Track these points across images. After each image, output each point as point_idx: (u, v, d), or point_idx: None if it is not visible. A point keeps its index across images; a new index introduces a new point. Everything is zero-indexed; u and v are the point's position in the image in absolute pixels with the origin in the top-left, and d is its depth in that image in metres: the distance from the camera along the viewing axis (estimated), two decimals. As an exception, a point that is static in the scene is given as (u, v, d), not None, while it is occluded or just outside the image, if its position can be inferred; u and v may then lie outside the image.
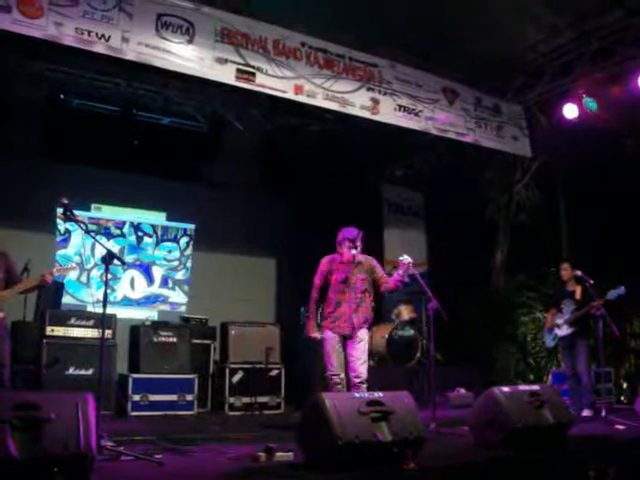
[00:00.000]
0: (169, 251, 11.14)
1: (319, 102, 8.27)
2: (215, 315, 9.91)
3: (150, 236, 11.03)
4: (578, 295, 8.44)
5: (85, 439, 3.87)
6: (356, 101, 8.50)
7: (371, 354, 6.92)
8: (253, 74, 7.74)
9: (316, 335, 6.73)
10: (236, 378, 9.06)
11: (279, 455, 4.95)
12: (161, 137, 10.39)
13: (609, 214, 10.28)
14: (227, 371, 9.05)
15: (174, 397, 8.52)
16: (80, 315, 8.29)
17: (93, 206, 10.55)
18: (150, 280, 10.97)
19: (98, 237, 9.60)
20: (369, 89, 8.64)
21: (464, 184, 10.97)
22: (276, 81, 7.89)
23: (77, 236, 10.22)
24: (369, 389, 6.27)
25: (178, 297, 11.12)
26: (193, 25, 7.47)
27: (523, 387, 6.05)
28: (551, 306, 8.87)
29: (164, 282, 11.11)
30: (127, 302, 10.63)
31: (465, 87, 9.72)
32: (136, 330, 8.81)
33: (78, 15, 6.80)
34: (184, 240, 11.25)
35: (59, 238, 10.19)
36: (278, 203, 12.18)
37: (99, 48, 6.99)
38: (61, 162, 10.26)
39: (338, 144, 11.37)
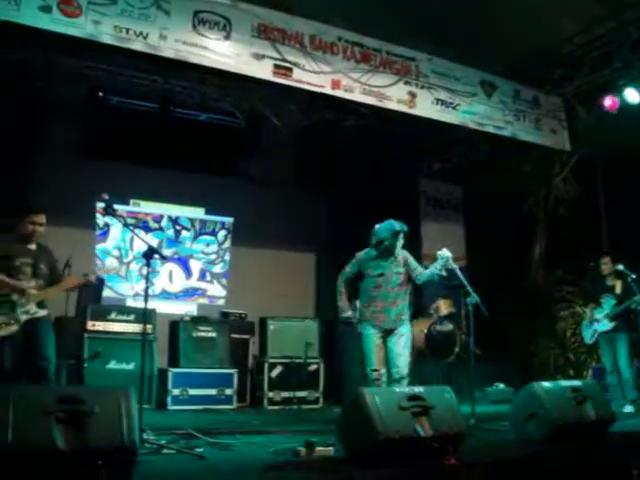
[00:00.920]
0: (207, 244, 11.19)
1: (356, 97, 8.25)
2: (254, 310, 9.95)
3: (188, 229, 11.09)
4: (619, 289, 8.35)
5: (128, 433, 3.90)
6: (393, 95, 8.47)
7: (410, 349, 6.87)
8: (290, 69, 7.75)
9: (348, 314, 6.71)
10: (275, 373, 9.09)
11: (320, 450, 4.95)
12: (199, 133, 10.45)
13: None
14: (266, 366, 9.09)
15: (213, 391, 8.57)
16: (121, 310, 8.38)
17: (132, 202, 10.64)
18: (188, 273, 11.03)
19: (137, 231, 9.67)
20: (406, 83, 8.60)
21: (502, 178, 10.88)
22: (313, 76, 7.90)
23: (116, 230, 10.32)
24: (409, 384, 6.25)
25: (216, 290, 11.16)
26: (230, 21, 7.50)
27: (564, 382, 5.98)
28: (590, 301, 8.77)
29: (202, 275, 11.16)
30: (166, 295, 10.70)
31: (503, 80, 9.63)
32: (175, 325, 8.88)
33: (116, 13, 6.88)
34: (222, 233, 11.30)
35: (98, 232, 10.29)
36: (316, 198, 12.20)
37: (137, 46, 7.07)
38: (100, 159, 10.37)
39: (375, 138, 11.33)
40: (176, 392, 8.36)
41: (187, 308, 10.54)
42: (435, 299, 10.46)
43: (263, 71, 7.69)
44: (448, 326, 10.21)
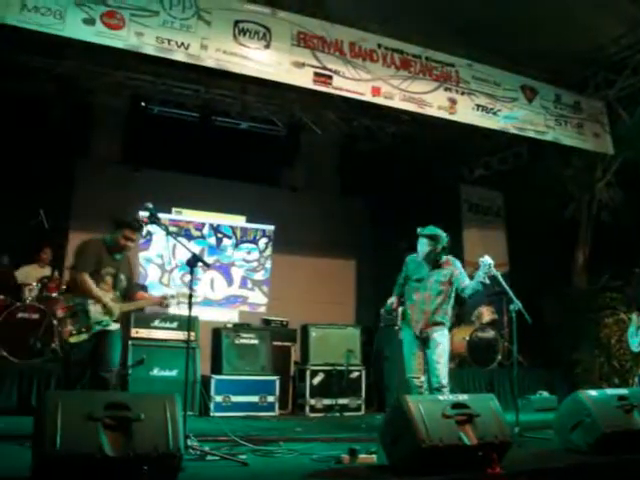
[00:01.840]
0: (248, 252, 11.26)
1: (397, 103, 8.25)
2: (294, 317, 9.96)
3: (229, 237, 11.17)
4: (664, 296, 8.21)
5: (173, 439, 3.94)
6: (433, 101, 8.45)
7: (451, 356, 6.82)
8: (330, 77, 7.78)
9: (395, 305, 6.70)
10: (317, 380, 9.09)
11: (363, 457, 4.95)
12: (240, 142, 10.55)
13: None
14: (308, 373, 9.08)
15: (255, 398, 8.59)
16: (164, 317, 8.44)
17: (174, 210, 10.75)
18: (230, 281, 11.10)
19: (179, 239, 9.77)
20: (446, 89, 8.57)
21: (544, 183, 10.78)
22: (353, 83, 7.91)
23: (158, 238, 10.44)
24: (451, 391, 6.20)
25: (257, 298, 11.22)
26: (270, 30, 7.56)
27: (611, 391, 5.89)
28: (635, 307, 8.63)
29: (243, 283, 11.23)
30: (207, 303, 10.78)
31: (544, 84, 9.55)
32: (218, 332, 8.92)
33: (158, 24, 6.98)
34: (263, 241, 11.36)
35: (142, 241, 10.41)
36: (356, 205, 12.24)
37: (179, 56, 7.16)
38: (142, 168, 10.51)
39: (414, 145, 11.33)
40: (219, 399, 8.39)
41: (229, 315, 10.61)
42: (477, 306, 10.42)
43: (303, 79, 7.73)
44: (490, 333, 10.16)
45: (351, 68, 7.92)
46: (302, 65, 7.67)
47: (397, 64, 8.27)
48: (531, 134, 9.34)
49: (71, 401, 3.90)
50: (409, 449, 4.46)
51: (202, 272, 10.60)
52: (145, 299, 6.33)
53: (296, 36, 7.69)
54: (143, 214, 6.10)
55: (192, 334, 8.09)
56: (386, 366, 9.32)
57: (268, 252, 11.36)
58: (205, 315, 9.87)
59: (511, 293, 6.70)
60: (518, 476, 4.62)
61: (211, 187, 10.91)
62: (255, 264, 11.30)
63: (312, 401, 9.00)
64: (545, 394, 9.62)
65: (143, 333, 8.30)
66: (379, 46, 8.20)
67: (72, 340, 5.65)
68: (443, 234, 6.56)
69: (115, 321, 5.90)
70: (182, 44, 7.07)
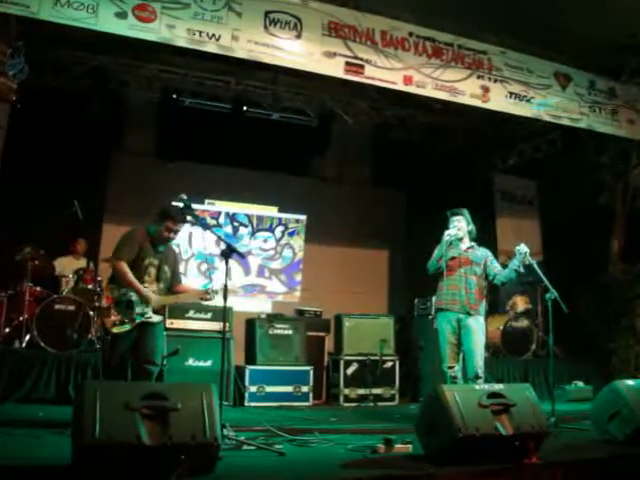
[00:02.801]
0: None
1: (429, 92, 8.19)
2: (327, 307, 9.98)
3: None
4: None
5: (210, 428, 3.96)
6: (466, 90, 8.37)
7: (486, 345, 6.78)
8: (362, 66, 7.74)
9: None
10: (350, 370, 9.10)
11: (398, 447, 4.95)
12: (271, 132, 10.55)
13: None
14: (342, 363, 9.09)
15: (290, 388, 8.62)
16: (198, 308, 8.49)
17: (206, 201, 10.79)
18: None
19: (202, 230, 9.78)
20: (479, 77, 8.48)
21: (578, 170, 10.66)
22: (385, 72, 7.87)
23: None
24: (485, 381, 6.17)
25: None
26: (301, 20, 7.54)
27: (649, 380, 5.82)
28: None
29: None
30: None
31: (578, 71, 9.42)
32: (251, 323, 8.96)
33: (189, 16, 7.00)
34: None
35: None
36: (389, 194, 12.21)
37: (210, 47, 7.17)
38: (175, 160, 10.57)
39: (447, 133, 11.27)
40: (253, 389, 8.43)
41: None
42: (511, 295, 10.37)
43: (335, 69, 7.70)
44: (524, 322, 10.12)
45: (383, 57, 7.88)
46: (333, 55, 7.64)
47: (429, 52, 8.20)
48: (565, 121, 9.22)
49: (109, 391, 3.95)
50: (445, 439, 4.45)
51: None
52: (188, 292, 6.31)
53: (327, 26, 7.66)
54: (177, 205, 6.12)
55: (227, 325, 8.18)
56: (420, 355, 9.32)
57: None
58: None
59: (547, 282, 6.65)
60: (555, 466, 4.59)
61: (243, 178, 10.94)
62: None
63: (346, 391, 9.01)
64: (580, 384, 9.54)
65: (178, 324, 8.36)
66: (410, 34, 8.14)
67: (115, 330, 5.69)
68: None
69: (157, 313, 5.94)
70: (213, 35, 7.08)
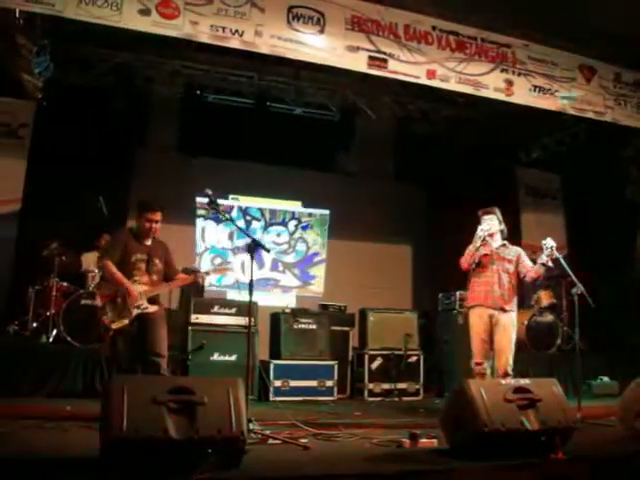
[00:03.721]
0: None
1: (452, 86, 8.15)
2: (352, 302, 9.97)
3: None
4: None
5: (237, 422, 3.98)
6: (490, 83, 8.31)
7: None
8: (385, 60, 7.71)
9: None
10: (375, 364, 9.10)
11: (423, 442, 4.95)
12: (294, 127, 10.57)
13: None
14: (366, 357, 9.09)
15: (314, 383, 8.63)
16: (223, 303, 8.53)
17: (230, 197, 10.82)
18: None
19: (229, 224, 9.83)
20: (503, 70, 8.42)
21: (602, 164, 10.57)
22: (408, 67, 7.83)
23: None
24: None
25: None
26: (324, 15, 7.51)
27: (676, 376, 5.77)
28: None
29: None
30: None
31: (603, 63, 9.32)
32: (276, 317, 8.99)
33: (212, 12, 7.00)
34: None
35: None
36: (412, 189, 12.19)
37: (234, 43, 7.17)
38: (199, 156, 10.61)
39: (470, 127, 11.21)
40: (278, 384, 8.46)
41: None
42: (536, 290, 10.29)
43: (358, 63, 7.68)
44: (549, 317, 10.07)
45: (406, 51, 7.84)
46: (357, 49, 7.61)
47: (452, 46, 8.15)
48: (590, 115, 9.11)
49: (136, 385, 3.99)
50: (470, 433, 4.44)
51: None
52: (177, 280, 6.32)
53: (350, 20, 7.64)
54: (201, 200, 6.16)
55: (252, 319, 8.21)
56: (444, 350, 9.29)
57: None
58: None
59: (573, 276, 6.61)
60: (581, 462, 4.55)
61: (266, 173, 10.96)
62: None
63: (370, 385, 9.02)
64: (606, 379, 9.46)
65: (203, 319, 8.39)
66: (434, 28, 8.09)
67: (115, 326, 5.78)
68: None
69: (154, 303, 6.00)
70: (236, 31, 7.08)
